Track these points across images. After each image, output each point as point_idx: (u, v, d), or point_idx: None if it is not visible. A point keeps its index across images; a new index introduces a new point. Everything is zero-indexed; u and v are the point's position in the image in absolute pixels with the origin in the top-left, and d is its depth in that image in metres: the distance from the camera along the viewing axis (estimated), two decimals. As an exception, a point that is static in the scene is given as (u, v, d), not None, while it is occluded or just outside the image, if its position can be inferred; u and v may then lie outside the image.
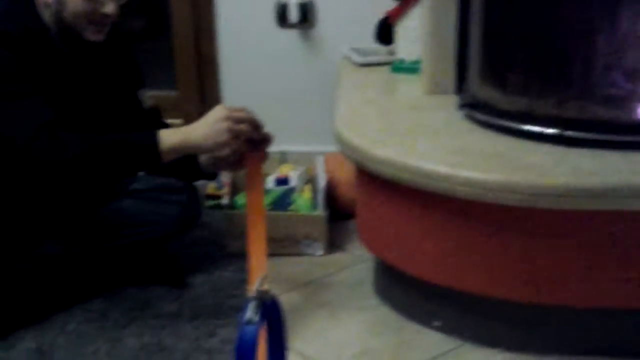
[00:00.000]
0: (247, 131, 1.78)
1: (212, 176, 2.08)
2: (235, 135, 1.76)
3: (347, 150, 1.90)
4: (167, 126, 2.12)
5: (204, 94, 2.95)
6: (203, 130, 1.76)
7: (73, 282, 2.00)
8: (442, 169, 1.69)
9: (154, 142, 1.75)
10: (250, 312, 1.35)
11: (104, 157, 1.76)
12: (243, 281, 2.01)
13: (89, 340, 1.81)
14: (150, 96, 2.17)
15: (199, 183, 2.19)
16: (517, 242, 1.69)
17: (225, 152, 1.85)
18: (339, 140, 1.93)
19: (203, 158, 1.99)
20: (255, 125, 1.81)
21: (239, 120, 1.77)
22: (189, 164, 2.00)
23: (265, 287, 1.41)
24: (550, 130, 1.79)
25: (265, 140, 1.85)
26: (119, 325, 1.88)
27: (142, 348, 1.79)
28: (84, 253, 2.01)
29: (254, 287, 1.40)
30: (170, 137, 1.77)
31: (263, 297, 1.39)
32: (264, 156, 1.87)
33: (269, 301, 1.41)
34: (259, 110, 1.85)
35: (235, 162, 1.90)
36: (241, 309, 1.38)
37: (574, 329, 1.77)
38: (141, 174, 2.17)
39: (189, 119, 2.90)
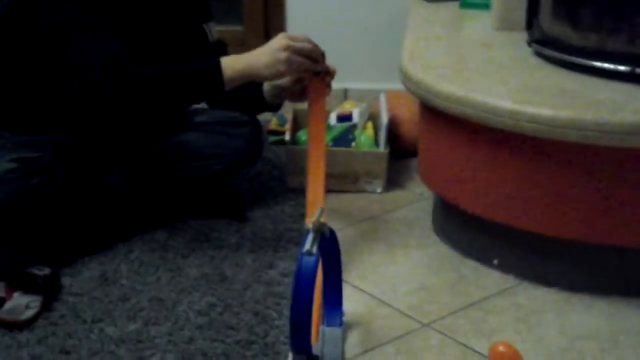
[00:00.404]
0: (304, 63, 1.77)
1: (276, 108, 2.08)
2: (293, 65, 1.76)
3: (412, 86, 1.87)
4: None
5: (268, 29, 2.93)
6: (264, 58, 1.76)
7: (136, 213, 2.03)
8: (509, 105, 1.66)
9: (217, 70, 1.76)
10: (309, 244, 1.35)
11: (169, 87, 1.78)
12: (302, 215, 2.02)
13: (151, 269, 1.84)
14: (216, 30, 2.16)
15: (262, 118, 2.19)
16: (582, 181, 1.66)
17: (286, 81, 1.88)
18: (404, 75, 1.91)
19: (266, 89, 1.98)
20: (315, 58, 1.79)
21: (298, 51, 1.76)
22: (253, 95, 2.00)
23: (323, 219, 1.41)
24: (621, 68, 1.74)
25: (327, 72, 1.83)
26: (180, 255, 1.90)
27: (202, 277, 1.81)
28: (147, 184, 2.03)
29: (312, 219, 1.40)
30: (233, 65, 1.78)
31: (321, 229, 1.39)
32: (326, 87, 1.85)
33: (327, 233, 1.41)
34: (324, 45, 1.83)
35: (297, 92, 1.90)
36: (300, 242, 1.39)
37: (632, 269, 1.74)
38: (205, 106, 2.18)
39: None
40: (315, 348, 1.46)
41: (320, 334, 1.55)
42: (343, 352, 1.54)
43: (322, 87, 1.84)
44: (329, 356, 1.47)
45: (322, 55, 1.83)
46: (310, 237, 1.36)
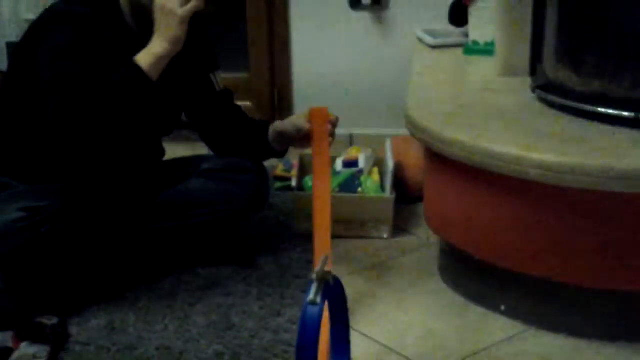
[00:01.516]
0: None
1: (282, 154, 2.10)
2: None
3: (418, 132, 1.89)
4: (239, 109, 2.15)
5: (274, 76, 2.96)
6: (162, 37, 1.83)
7: (144, 261, 2.04)
8: (514, 151, 1.66)
9: (136, 67, 1.80)
10: (313, 293, 1.35)
11: (103, 99, 1.78)
12: (309, 262, 2.02)
13: (158, 317, 1.84)
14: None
15: (268, 164, 2.21)
16: (589, 226, 1.66)
17: (290, 128, 2.00)
18: (410, 121, 1.92)
19: (271, 136, 2.00)
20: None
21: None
22: (259, 142, 2.02)
23: (328, 268, 1.41)
24: (625, 113, 1.75)
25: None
26: (188, 304, 1.90)
27: (210, 326, 1.81)
28: (155, 232, 2.04)
29: (317, 268, 1.40)
30: (148, 53, 1.83)
31: (325, 278, 1.39)
32: (330, 133, 1.95)
33: (332, 282, 1.41)
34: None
35: (302, 137, 1.97)
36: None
37: (643, 316, 1.74)
38: (211, 153, 2.20)
39: (259, 101, 2.96)
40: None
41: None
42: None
43: (324, 131, 1.87)
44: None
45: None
46: (314, 286, 1.36)
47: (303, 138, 2.00)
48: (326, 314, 1.51)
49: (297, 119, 2.03)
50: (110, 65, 1.82)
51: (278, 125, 2.06)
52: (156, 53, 1.82)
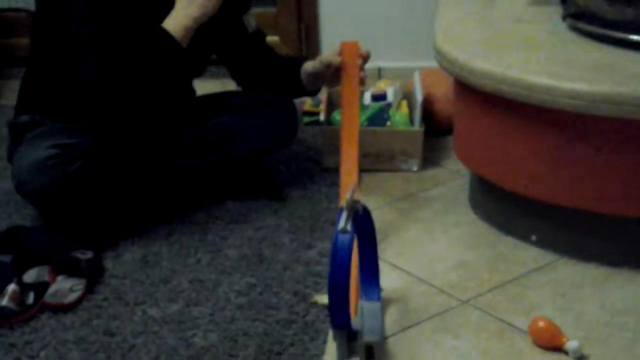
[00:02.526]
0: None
1: (314, 92, 2.11)
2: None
3: (447, 64, 1.87)
4: (271, 49, 2.14)
5: (301, 10, 2.93)
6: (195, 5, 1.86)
7: (176, 196, 2.06)
8: (545, 80, 1.65)
9: (167, 35, 1.82)
10: (344, 221, 1.37)
11: (138, 80, 1.81)
12: (338, 195, 2.03)
13: (191, 251, 1.87)
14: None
15: (296, 100, 2.21)
16: (619, 155, 1.65)
17: (319, 66, 2.00)
18: (439, 53, 1.90)
19: (303, 76, 2.00)
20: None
21: None
22: (292, 81, 2.01)
23: (357, 196, 1.42)
24: (658, 40, 1.72)
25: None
26: (220, 237, 1.92)
27: (242, 259, 1.83)
28: (185, 167, 2.05)
29: (346, 197, 1.41)
30: (176, 21, 1.84)
31: (355, 207, 1.41)
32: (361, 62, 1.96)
33: (360, 210, 1.43)
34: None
35: (332, 75, 1.97)
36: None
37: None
38: (240, 89, 2.20)
39: (286, 36, 2.94)
40: (355, 323, 1.48)
41: (359, 309, 1.56)
42: (383, 326, 1.55)
43: (354, 65, 1.86)
44: (369, 330, 1.48)
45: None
46: (344, 215, 1.38)
47: (334, 73, 1.99)
48: (355, 245, 1.53)
49: (327, 55, 2.03)
50: (142, 23, 1.82)
51: (309, 65, 2.06)
52: (186, 24, 1.84)
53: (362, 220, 1.47)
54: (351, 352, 1.46)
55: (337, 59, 1.97)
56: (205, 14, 1.86)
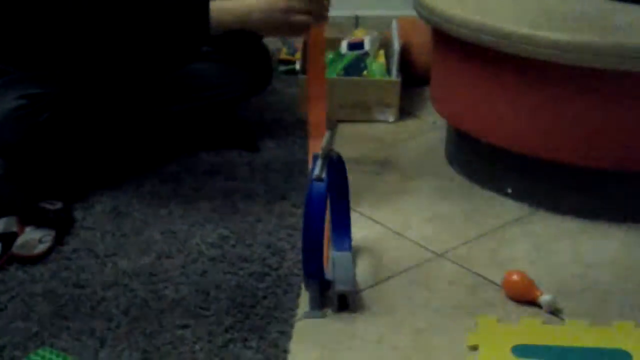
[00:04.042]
0: (306, 22, 1.71)
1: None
2: (294, 28, 1.71)
3: (424, 12, 1.83)
4: None
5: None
6: (259, 15, 1.69)
7: (147, 146, 2.02)
8: (524, 29, 1.62)
9: (204, 16, 1.68)
10: (318, 169, 1.36)
11: (148, 20, 1.72)
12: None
13: (163, 203, 1.84)
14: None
15: (272, 47, 2.16)
16: (598, 106, 1.63)
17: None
18: (417, 1, 1.86)
19: None
20: (317, 14, 1.73)
21: (298, 11, 1.70)
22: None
23: (331, 145, 1.40)
24: (640, -10, 1.69)
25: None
26: (192, 188, 1.89)
27: (214, 210, 1.80)
28: (157, 116, 2.02)
29: (322, 144, 1.40)
30: (224, 15, 1.70)
31: (330, 154, 1.39)
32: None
33: (335, 158, 1.41)
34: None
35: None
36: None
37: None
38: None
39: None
40: (327, 273, 1.48)
41: (330, 259, 1.55)
42: (355, 276, 1.54)
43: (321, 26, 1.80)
44: (340, 280, 1.47)
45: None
46: (319, 162, 1.36)
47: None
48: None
49: None
50: None
51: None
52: (240, 22, 1.70)
53: (336, 169, 1.45)
54: (324, 302, 1.46)
55: None
56: (256, 29, 1.73)
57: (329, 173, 1.39)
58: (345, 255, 1.55)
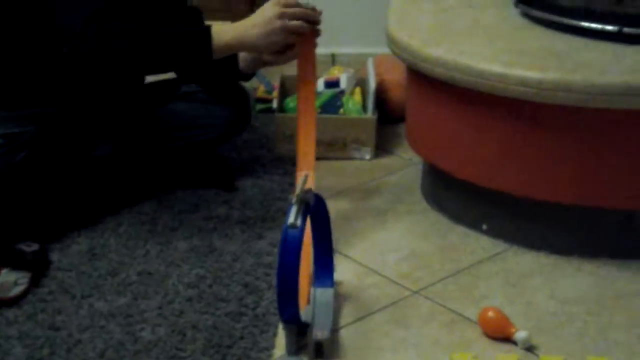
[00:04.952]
0: (302, 26, 1.74)
1: (248, 77, 2.03)
2: (289, 33, 1.73)
3: (399, 50, 1.85)
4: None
5: (253, -6, 2.90)
6: (257, 30, 1.71)
7: (124, 185, 2.02)
8: (496, 68, 1.64)
9: (207, 37, 1.71)
10: (293, 216, 1.35)
11: (153, 47, 1.73)
12: (292, 184, 2.01)
13: (139, 242, 1.83)
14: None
15: (249, 86, 2.17)
16: (570, 143, 1.65)
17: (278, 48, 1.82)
18: (391, 39, 1.89)
19: (243, 56, 1.94)
20: (310, 20, 1.76)
21: (292, 16, 1.73)
22: (229, 63, 1.95)
23: (309, 186, 1.40)
24: (609, 27, 1.72)
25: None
26: (169, 228, 1.89)
27: (191, 250, 1.80)
28: (135, 155, 2.02)
29: (296, 190, 1.39)
30: (224, 34, 1.72)
31: (306, 198, 1.39)
32: (315, 38, 1.83)
33: (312, 202, 1.41)
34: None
35: (279, 53, 1.85)
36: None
37: (623, 232, 1.74)
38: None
39: (238, 19, 2.89)
40: (307, 311, 1.47)
41: (311, 296, 1.55)
42: (335, 316, 1.54)
43: (312, 41, 1.81)
44: (319, 324, 1.47)
45: (314, 9, 1.79)
46: (293, 209, 1.36)
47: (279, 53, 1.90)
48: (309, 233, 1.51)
49: None
50: None
51: None
52: (240, 40, 1.72)
53: (316, 209, 1.45)
54: (301, 346, 1.45)
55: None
56: (255, 46, 1.75)
57: (309, 213, 1.39)
58: (327, 293, 1.55)
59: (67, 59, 1.82)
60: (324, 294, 1.55)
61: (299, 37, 1.77)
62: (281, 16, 1.71)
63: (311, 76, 1.85)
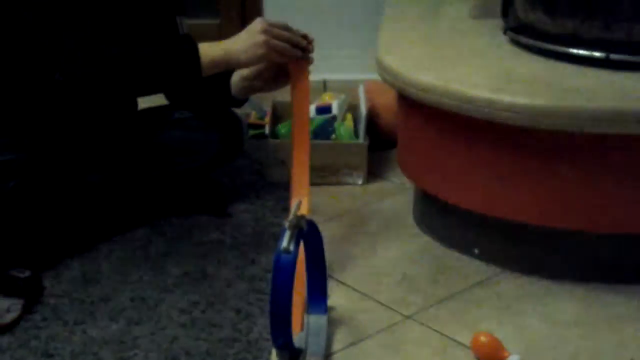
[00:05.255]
0: (287, 49, 1.76)
1: (241, 103, 2.04)
2: (272, 49, 1.74)
3: (388, 77, 1.87)
4: None
5: (246, 21, 2.90)
6: (241, 43, 1.75)
7: (116, 212, 2.02)
8: (485, 94, 1.66)
9: (195, 54, 1.73)
10: (286, 241, 1.35)
11: (141, 67, 1.75)
12: (284, 209, 2.02)
13: (132, 269, 1.83)
14: (190, 24, 2.13)
15: (241, 112, 2.18)
16: (559, 168, 1.66)
17: (258, 68, 1.86)
18: (380, 66, 1.90)
19: (236, 81, 1.95)
20: (294, 44, 1.78)
21: (277, 36, 1.75)
22: (220, 88, 1.96)
23: (304, 211, 1.40)
24: (596, 54, 1.74)
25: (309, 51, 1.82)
26: (162, 254, 1.90)
27: (184, 275, 1.81)
28: (128, 181, 2.02)
29: (290, 215, 1.40)
30: (211, 50, 1.75)
31: (299, 225, 1.39)
32: (308, 68, 1.84)
33: (306, 226, 1.41)
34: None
35: (271, 78, 1.89)
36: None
37: (614, 256, 1.75)
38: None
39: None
40: (300, 337, 1.47)
41: (305, 323, 1.55)
42: (328, 342, 1.54)
43: (304, 69, 1.82)
44: (312, 350, 1.47)
45: (305, 37, 1.81)
46: (286, 234, 1.36)
47: (274, 75, 1.90)
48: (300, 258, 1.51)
49: None
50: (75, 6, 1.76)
51: (244, 70, 1.95)
52: (226, 55, 1.75)
53: (309, 235, 1.46)
54: None
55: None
56: (239, 59, 1.77)
57: (302, 240, 1.39)
58: (320, 320, 1.55)
59: (59, 86, 1.83)
60: (317, 321, 1.55)
61: (292, 64, 1.79)
62: (265, 31, 1.73)
63: (304, 104, 1.85)
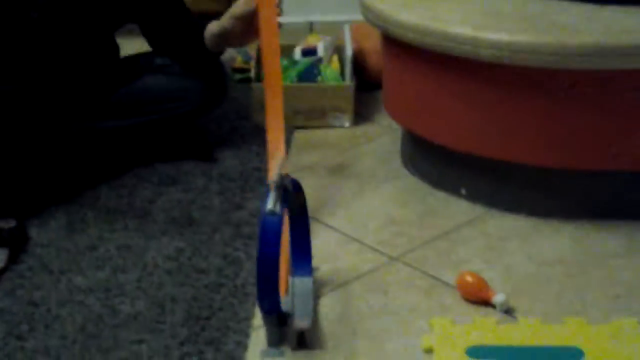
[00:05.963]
0: None
1: (217, 55, 2.03)
2: None
3: (372, 17, 1.84)
4: (182, 4, 2.07)
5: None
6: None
7: (102, 159, 2.01)
8: (468, 31, 1.63)
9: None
10: (272, 202, 1.29)
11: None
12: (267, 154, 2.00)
13: (118, 216, 1.83)
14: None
15: (227, 56, 2.16)
16: (544, 105, 1.65)
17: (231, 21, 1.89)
18: (364, 6, 1.88)
19: (209, 36, 1.92)
20: None
21: None
22: (194, 42, 1.94)
23: (284, 171, 1.36)
24: (582, -12, 1.71)
25: None
26: (147, 201, 1.89)
27: (171, 222, 1.80)
28: (113, 129, 2.01)
29: (273, 174, 1.35)
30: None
31: (284, 183, 1.35)
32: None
33: (290, 187, 1.37)
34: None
35: (243, 32, 1.88)
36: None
37: (599, 193, 1.74)
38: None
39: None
40: (286, 301, 1.42)
41: (290, 285, 1.50)
42: (314, 303, 1.51)
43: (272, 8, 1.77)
44: (299, 313, 1.41)
45: None
46: (272, 195, 1.30)
47: (244, 29, 1.88)
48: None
49: (238, 5, 1.88)
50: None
51: (214, 25, 1.93)
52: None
53: (293, 194, 1.41)
54: (282, 336, 1.40)
55: (250, 6, 1.83)
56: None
57: (286, 199, 1.35)
58: (305, 281, 1.48)
59: (36, 25, 1.79)
60: (302, 283, 1.48)
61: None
62: None
63: (274, 44, 1.77)
